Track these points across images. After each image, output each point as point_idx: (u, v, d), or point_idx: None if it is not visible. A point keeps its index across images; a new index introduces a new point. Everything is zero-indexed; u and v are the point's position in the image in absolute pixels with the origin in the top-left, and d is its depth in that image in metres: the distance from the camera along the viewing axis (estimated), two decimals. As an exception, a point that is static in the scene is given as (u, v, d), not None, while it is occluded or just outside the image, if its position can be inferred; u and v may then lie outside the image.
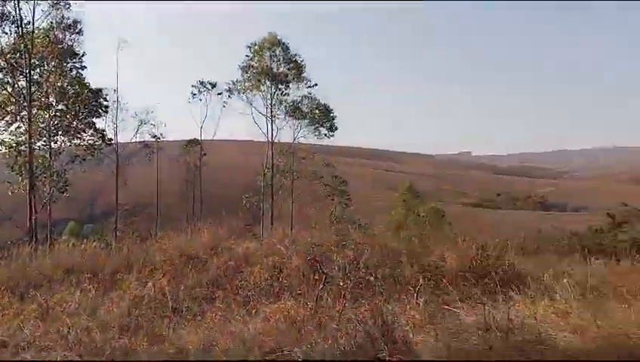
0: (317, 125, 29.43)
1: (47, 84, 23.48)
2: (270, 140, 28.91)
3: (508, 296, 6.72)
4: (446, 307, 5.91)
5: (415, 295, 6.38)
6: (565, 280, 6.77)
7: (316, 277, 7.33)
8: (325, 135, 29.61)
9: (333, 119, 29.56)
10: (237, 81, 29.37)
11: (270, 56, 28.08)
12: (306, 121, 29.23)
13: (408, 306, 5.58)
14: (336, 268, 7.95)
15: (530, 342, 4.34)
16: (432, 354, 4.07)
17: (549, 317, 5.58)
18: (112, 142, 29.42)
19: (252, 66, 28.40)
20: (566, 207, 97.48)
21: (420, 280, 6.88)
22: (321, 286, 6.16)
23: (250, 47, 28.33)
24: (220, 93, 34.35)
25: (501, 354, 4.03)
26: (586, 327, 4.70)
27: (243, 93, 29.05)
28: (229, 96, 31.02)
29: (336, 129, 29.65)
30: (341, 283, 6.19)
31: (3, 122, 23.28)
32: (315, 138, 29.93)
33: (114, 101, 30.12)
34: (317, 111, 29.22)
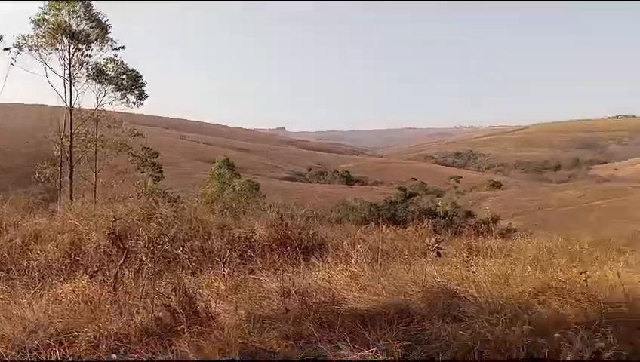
0: (124, 92, 27.11)
1: None
2: (69, 106, 25.80)
3: (310, 262, 7.18)
4: (251, 276, 6.05)
5: (222, 266, 6.40)
6: (359, 246, 7.43)
7: (117, 254, 6.87)
8: (134, 103, 27.46)
9: (143, 86, 27.50)
10: (28, 36, 25.35)
11: (69, 11, 24.87)
12: (112, 86, 26.71)
13: (214, 278, 5.57)
14: (141, 243, 7.58)
15: (324, 302, 4.70)
16: (230, 320, 4.14)
17: (344, 279, 6.09)
18: None
19: (46, 20, 24.82)
20: (367, 181, 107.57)
21: (228, 252, 6.92)
22: (121, 262, 5.77)
23: (43, -3, 24.73)
24: (6, 49, 29.21)
25: (297, 316, 4.28)
26: (373, 286, 5.25)
27: (36, 50, 25.24)
28: (19, 53, 26.60)
29: (146, 97, 27.65)
30: (144, 258, 5.87)
31: None
32: (123, 105, 27.56)
33: None
34: (124, 77, 26.87)
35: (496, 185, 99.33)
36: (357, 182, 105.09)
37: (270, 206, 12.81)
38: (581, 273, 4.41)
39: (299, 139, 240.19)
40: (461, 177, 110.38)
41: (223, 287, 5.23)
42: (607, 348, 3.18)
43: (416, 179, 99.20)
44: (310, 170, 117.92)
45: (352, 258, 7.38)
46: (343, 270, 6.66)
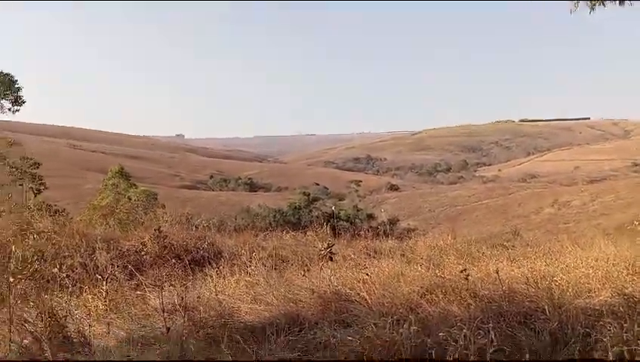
0: (-4, 98, 24.49)
1: None
2: None
3: (205, 273, 6.85)
4: (137, 292, 5.63)
5: (105, 283, 5.89)
6: (255, 254, 7.24)
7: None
8: (9, 110, 24.92)
9: (19, 91, 25.05)
10: None
11: None
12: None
13: (92, 297, 5.09)
14: (14, 262, 6.80)
15: (213, 317, 4.45)
16: (108, 343, 3.76)
17: (239, 290, 5.86)
18: None
19: None
20: (271, 187, 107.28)
21: (112, 268, 6.40)
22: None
23: None
24: None
25: (179, 334, 3.98)
26: (266, 295, 5.09)
27: None
28: None
29: (23, 103, 25.19)
30: (12, 279, 5.22)
31: None
32: (-3, 113, 24.91)
33: None
34: (-5, 82, 24.30)
35: (394, 188, 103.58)
36: (261, 188, 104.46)
37: (169, 215, 12.20)
38: (461, 271, 4.57)
39: (199, 146, 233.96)
40: (361, 181, 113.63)
41: (102, 307, 4.78)
42: (490, 344, 3.29)
43: (318, 184, 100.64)
44: (212, 177, 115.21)
45: (248, 267, 7.17)
46: (238, 280, 6.43)
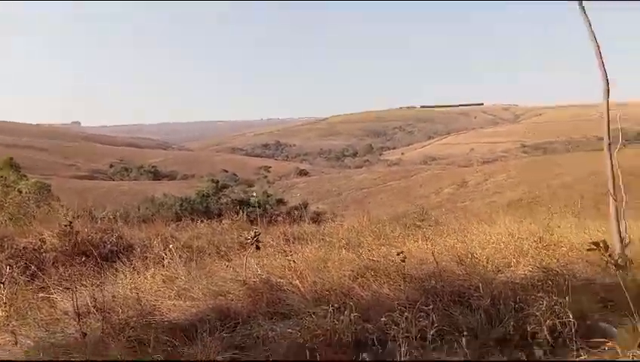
0: None
1: None
2: None
3: (116, 269, 6.34)
4: (42, 295, 5.06)
5: (2, 287, 5.24)
6: (171, 246, 6.83)
7: None
8: None
9: None
10: None
11: None
12: None
13: (-13, 304, 4.48)
14: None
15: (133, 317, 4.08)
16: (15, 354, 3.30)
17: (157, 285, 5.48)
18: None
19: None
20: (176, 175, 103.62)
21: (9, 269, 5.71)
22: None
23: None
24: None
25: (97, 338, 3.61)
26: (190, 290, 4.79)
27: None
28: None
29: None
30: None
31: None
32: None
33: None
34: None
35: (303, 173, 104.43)
36: (166, 177, 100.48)
37: (67, 208, 11.26)
38: (398, 254, 4.59)
39: (98, 133, 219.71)
40: (270, 167, 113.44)
41: (2, 314, 4.23)
42: (431, 325, 3.31)
43: (227, 171, 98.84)
44: (112, 166, 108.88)
45: (164, 260, 6.76)
46: (154, 274, 6.03)
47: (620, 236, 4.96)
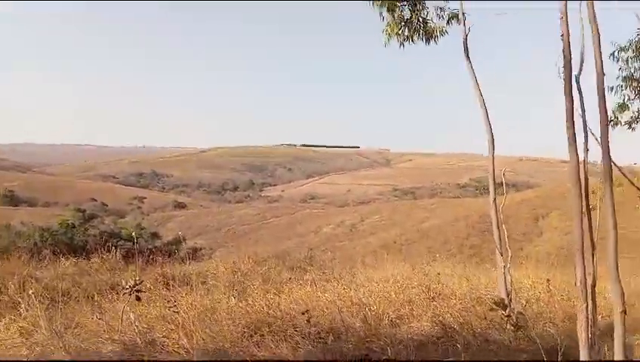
0: None
1: None
2: None
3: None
4: None
5: None
6: (32, 291, 5.92)
7: None
8: None
9: None
10: None
11: None
12: None
13: None
14: None
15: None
16: None
17: (11, 340, 4.65)
18: None
19: None
20: (37, 202, 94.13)
21: None
22: None
23: None
24: None
25: None
26: (53, 350, 4.09)
27: None
28: None
29: None
30: None
31: None
32: None
33: None
34: None
35: (181, 206, 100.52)
36: (24, 203, 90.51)
37: None
38: (303, 313, 4.32)
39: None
40: (145, 198, 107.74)
41: None
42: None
43: (95, 200, 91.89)
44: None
45: (20, 305, 5.82)
46: (7, 325, 5.15)
47: (507, 290, 5.23)
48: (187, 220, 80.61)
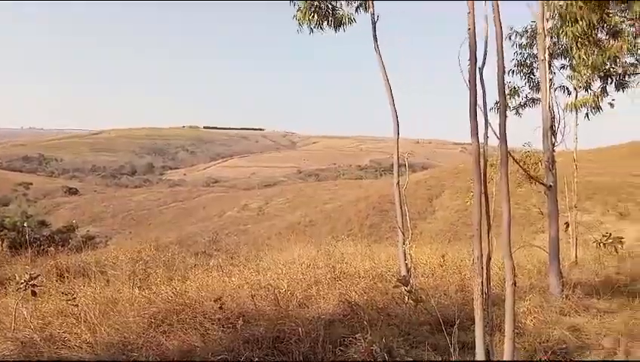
0: None
1: None
2: None
3: None
4: None
5: None
6: None
7: None
8: None
9: None
10: None
11: None
12: None
13: None
14: None
15: None
16: None
17: None
18: None
19: None
20: None
21: None
22: None
23: None
24: None
25: None
26: None
27: None
28: None
29: None
30: None
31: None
32: None
33: None
34: None
35: (72, 192, 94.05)
36: None
37: None
38: (215, 300, 4.27)
39: None
40: (31, 183, 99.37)
41: None
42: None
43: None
44: None
45: None
46: None
47: (407, 267, 5.58)
48: (79, 207, 75.75)
